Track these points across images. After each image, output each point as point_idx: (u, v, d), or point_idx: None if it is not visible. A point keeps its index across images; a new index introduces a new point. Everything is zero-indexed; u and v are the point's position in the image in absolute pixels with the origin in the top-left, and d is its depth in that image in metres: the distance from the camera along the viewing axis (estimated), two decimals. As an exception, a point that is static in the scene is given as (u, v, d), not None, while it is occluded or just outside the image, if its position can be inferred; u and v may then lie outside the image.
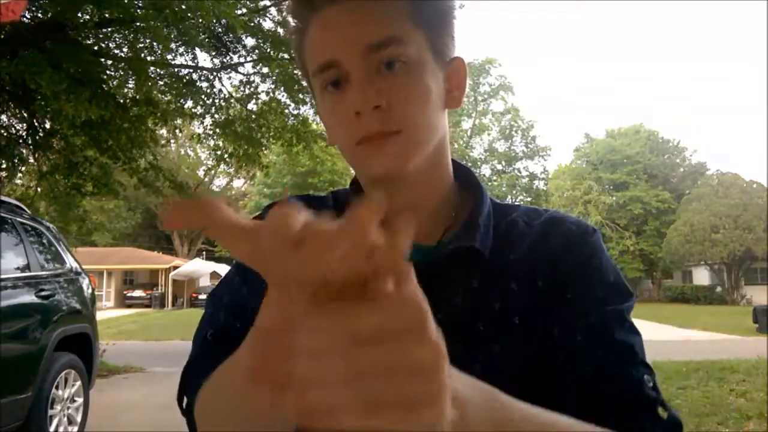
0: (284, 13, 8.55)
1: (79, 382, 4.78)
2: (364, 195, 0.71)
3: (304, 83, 7.54)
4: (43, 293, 4.38)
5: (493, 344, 0.60)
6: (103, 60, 7.96)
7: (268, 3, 8.64)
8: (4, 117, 8.50)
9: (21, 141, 8.49)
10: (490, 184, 36.81)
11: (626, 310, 0.64)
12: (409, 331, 0.30)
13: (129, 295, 32.89)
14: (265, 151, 10.20)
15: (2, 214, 4.35)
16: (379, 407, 0.29)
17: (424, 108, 0.63)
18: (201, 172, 41.32)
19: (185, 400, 0.65)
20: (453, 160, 0.73)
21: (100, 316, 6.37)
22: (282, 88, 9.12)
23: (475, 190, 0.72)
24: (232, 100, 9.45)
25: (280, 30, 8.57)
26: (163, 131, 10.48)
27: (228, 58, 8.97)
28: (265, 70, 9.07)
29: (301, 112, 9.40)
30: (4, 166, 8.34)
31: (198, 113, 9.28)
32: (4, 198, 4.81)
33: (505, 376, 0.53)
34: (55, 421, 4.39)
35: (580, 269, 0.65)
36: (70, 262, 5.10)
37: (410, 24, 0.62)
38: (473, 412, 0.38)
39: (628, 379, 0.59)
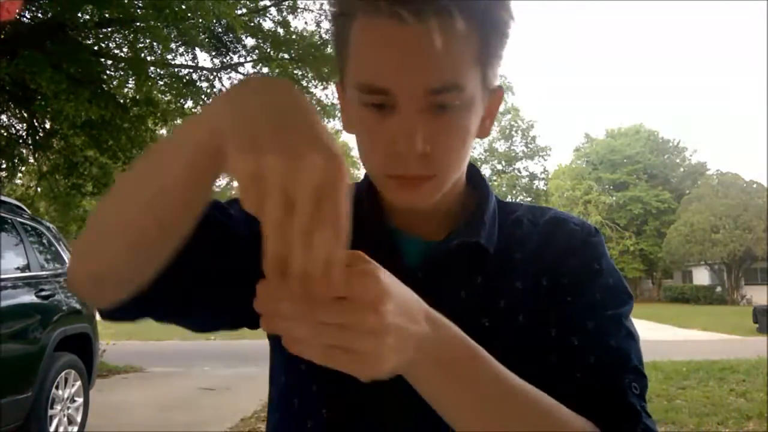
0: (287, 13, 8.55)
1: (79, 382, 4.78)
2: (378, 193, 0.70)
3: (304, 83, 7.53)
4: (43, 293, 4.38)
5: (495, 340, 0.61)
6: (103, 60, 7.97)
7: (268, 3, 8.65)
8: (4, 117, 8.51)
9: (21, 141, 8.50)
10: (490, 184, 36.74)
11: (624, 314, 0.65)
12: (358, 298, 0.42)
13: (129, 295, 32.88)
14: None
15: (2, 214, 4.35)
16: (331, 351, 0.42)
17: (461, 151, 0.62)
18: (201, 172, 41.28)
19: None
20: None
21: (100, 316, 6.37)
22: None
23: (481, 189, 0.72)
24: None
25: (280, 30, 8.58)
26: (163, 131, 10.48)
27: (228, 58, 8.97)
28: (265, 70, 9.07)
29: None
30: (4, 166, 8.35)
31: (198, 113, 9.28)
32: (4, 198, 4.81)
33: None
34: (55, 421, 4.39)
35: (581, 272, 0.66)
36: (70, 262, 5.10)
37: (472, 62, 0.58)
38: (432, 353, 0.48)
39: (615, 386, 0.60)
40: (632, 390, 0.60)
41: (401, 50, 0.55)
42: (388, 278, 0.45)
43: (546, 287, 0.65)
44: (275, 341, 0.73)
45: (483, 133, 0.66)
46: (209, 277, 0.64)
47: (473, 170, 0.74)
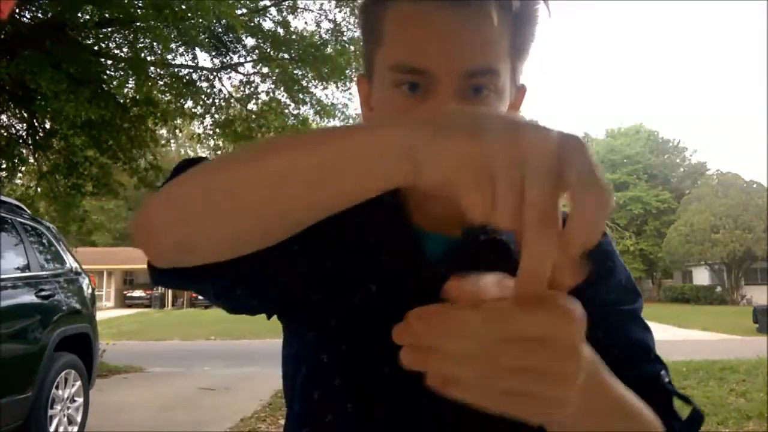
0: (287, 13, 8.55)
1: (79, 382, 4.78)
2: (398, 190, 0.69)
3: (304, 83, 7.50)
4: (43, 293, 4.38)
5: None
6: (103, 60, 7.97)
7: (268, 3, 8.65)
8: (4, 117, 8.51)
9: (21, 141, 8.49)
10: None
11: (638, 310, 0.67)
12: (557, 341, 0.35)
13: (129, 295, 32.91)
14: (265, 151, 10.18)
15: (2, 214, 4.35)
16: (508, 396, 0.35)
17: None
18: (201, 172, 41.29)
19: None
20: None
21: (100, 316, 6.38)
22: (282, 88, 9.13)
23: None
24: (232, 100, 9.46)
25: (280, 30, 8.58)
26: (163, 131, 10.48)
27: (228, 58, 8.97)
28: (265, 70, 9.08)
29: (301, 112, 9.41)
30: (4, 166, 8.34)
31: (198, 113, 9.28)
32: (4, 198, 4.81)
33: None
34: (55, 421, 4.39)
35: (595, 270, 0.66)
36: (70, 262, 5.10)
37: (506, 52, 0.60)
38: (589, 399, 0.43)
39: (645, 373, 0.61)
40: (663, 377, 0.62)
41: (442, 31, 0.56)
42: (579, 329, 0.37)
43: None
44: (298, 333, 0.71)
45: None
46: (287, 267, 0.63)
47: None
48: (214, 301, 0.67)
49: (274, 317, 0.73)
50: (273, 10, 8.70)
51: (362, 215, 0.69)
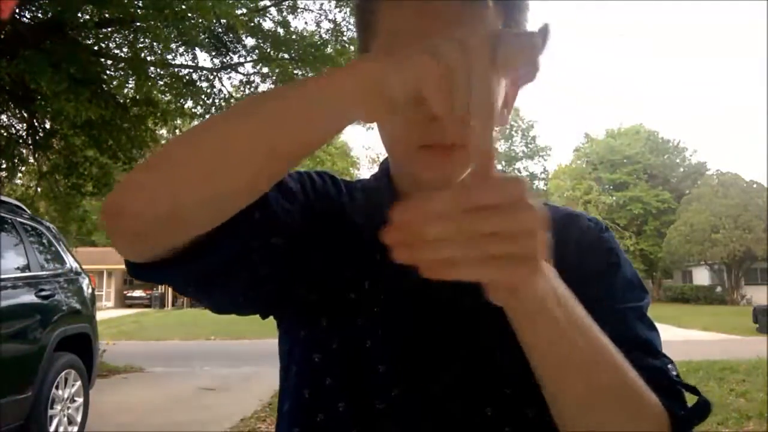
0: (287, 13, 8.55)
1: (79, 382, 4.78)
2: (396, 190, 0.71)
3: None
4: (43, 293, 4.38)
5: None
6: (103, 60, 7.96)
7: (268, 3, 8.65)
8: (4, 117, 8.51)
9: (21, 141, 8.50)
10: None
11: (645, 307, 0.67)
12: (511, 203, 0.40)
13: (129, 295, 32.89)
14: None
15: (2, 214, 4.35)
16: (488, 261, 0.40)
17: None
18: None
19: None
20: None
21: (100, 316, 6.38)
22: (281, 86, 9.12)
23: None
24: (232, 100, 9.45)
25: (280, 30, 8.58)
26: (163, 131, 10.47)
27: (228, 58, 8.97)
28: (265, 70, 9.07)
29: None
30: (4, 166, 8.35)
31: (198, 113, 9.27)
32: (4, 198, 4.81)
33: (525, 361, 0.55)
34: (55, 421, 4.39)
35: (601, 269, 0.67)
36: (70, 262, 5.10)
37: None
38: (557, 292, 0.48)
39: (653, 367, 0.61)
40: (670, 371, 0.62)
41: (437, 18, 0.58)
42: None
43: (567, 279, 0.65)
44: (289, 330, 0.72)
45: (502, 120, 0.67)
46: (253, 260, 0.63)
47: None
48: (194, 294, 0.66)
49: (270, 317, 0.73)
50: (273, 10, 8.70)
51: (361, 217, 0.70)
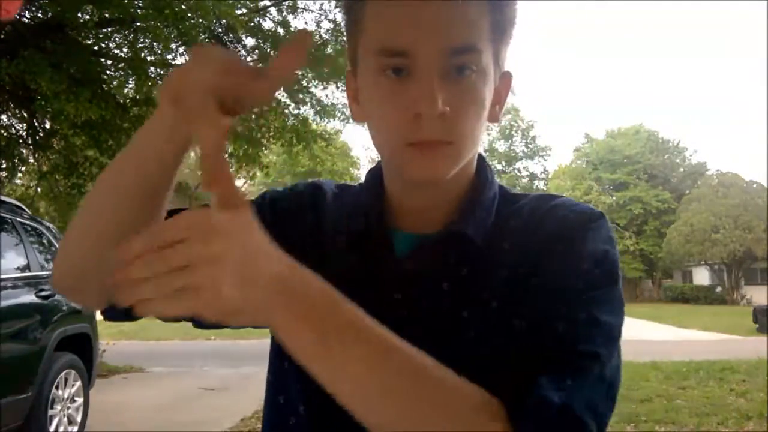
0: (287, 13, 8.56)
1: (79, 382, 4.78)
2: (385, 186, 0.71)
3: (304, 83, 7.54)
4: (43, 293, 4.38)
5: (470, 331, 0.61)
6: (103, 60, 7.96)
7: (268, 3, 8.65)
8: (4, 117, 8.51)
9: (21, 141, 8.49)
10: (492, 174, 36.82)
11: (606, 295, 0.59)
12: (194, 234, 0.42)
13: (129, 295, 32.90)
14: (265, 151, 10.20)
15: (2, 214, 4.35)
16: (172, 296, 0.42)
17: (477, 122, 0.61)
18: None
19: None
20: None
21: (100, 316, 6.37)
22: (282, 88, 9.12)
23: (480, 178, 0.70)
24: (232, 100, 9.45)
25: (280, 30, 8.58)
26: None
27: (228, 58, 8.97)
28: (265, 70, 9.06)
29: (301, 112, 9.40)
30: (4, 166, 8.35)
31: (198, 113, 9.28)
32: (4, 198, 4.81)
33: (478, 363, 0.54)
34: (55, 421, 4.39)
35: (562, 255, 0.60)
36: (70, 262, 5.10)
37: (487, 32, 0.60)
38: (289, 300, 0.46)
39: (573, 334, 0.55)
40: (580, 345, 0.54)
41: (419, 11, 0.57)
42: (233, 219, 0.45)
43: (526, 274, 0.61)
44: (273, 339, 0.73)
45: (493, 117, 0.66)
46: None
47: (479, 161, 0.71)
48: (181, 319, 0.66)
49: None
50: (273, 10, 8.70)
51: (343, 223, 0.70)
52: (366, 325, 0.48)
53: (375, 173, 0.73)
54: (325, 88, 9.27)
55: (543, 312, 0.58)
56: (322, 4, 8.80)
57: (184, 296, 0.42)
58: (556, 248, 0.61)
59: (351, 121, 9.74)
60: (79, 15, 6.91)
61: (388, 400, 0.49)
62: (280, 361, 0.69)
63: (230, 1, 7.20)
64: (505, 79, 0.67)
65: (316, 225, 0.72)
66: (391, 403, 0.49)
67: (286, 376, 0.68)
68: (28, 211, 5.19)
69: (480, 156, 0.71)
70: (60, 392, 4.48)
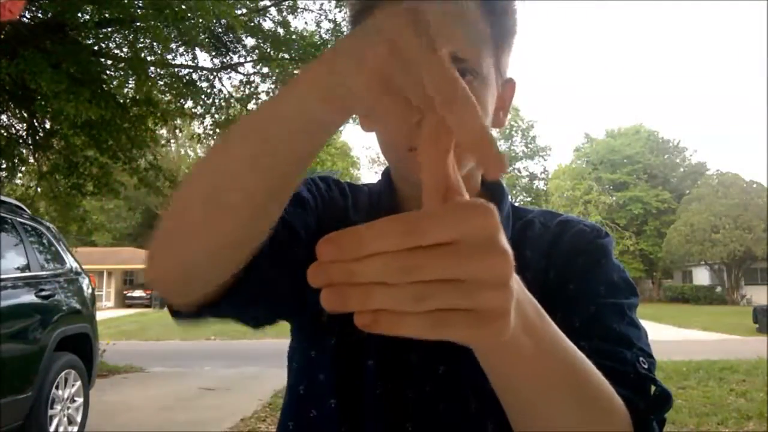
0: (287, 13, 8.57)
1: (79, 382, 4.78)
2: (398, 193, 0.73)
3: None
4: (43, 293, 4.38)
5: None
6: (103, 60, 7.96)
7: (268, 3, 8.65)
8: (4, 117, 8.51)
9: (21, 141, 8.50)
10: (506, 188, 36.79)
11: (627, 306, 0.64)
12: (471, 238, 0.31)
13: (129, 295, 32.90)
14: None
15: (2, 214, 4.35)
16: (439, 316, 0.31)
17: None
18: (201, 172, 41.28)
19: None
20: None
21: (100, 316, 6.38)
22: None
23: (497, 192, 0.74)
24: (232, 100, 9.45)
25: (280, 30, 8.58)
26: (163, 131, 10.48)
27: (228, 58, 8.97)
28: (265, 70, 9.07)
29: (301, 112, 9.40)
30: (4, 166, 8.35)
31: (198, 113, 9.28)
32: (4, 198, 4.80)
33: None
34: (55, 421, 4.39)
35: (585, 266, 0.66)
36: (70, 262, 5.10)
37: (487, 41, 0.63)
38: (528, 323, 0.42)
39: (622, 358, 0.58)
40: (640, 363, 0.59)
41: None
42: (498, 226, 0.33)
43: (553, 279, 0.66)
44: (298, 329, 0.73)
45: (497, 123, 0.69)
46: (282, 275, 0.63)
47: None
48: (236, 321, 0.67)
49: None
50: (273, 10, 8.70)
51: (363, 220, 0.70)
52: (554, 325, 0.46)
53: (387, 173, 0.75)
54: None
55: (578, 318, 0.61)
56: (322, 4, 8.81)
57: (459, 321, 0.31)
58: (579, 260, 0.67)
59: (350, 121, 9.73)
60: (79, 15, 6.92)
61: (566, 401, 0.48)
62: (308, 350, 0.69)
63: (230, 1, 7.20)
64: (509, 85, 0.69)
65: (345, 219, 0.73)
66: (567, 404, 0.48)
67: (311, 365, 0.68)
68: (28, 211, 5.18)
69: None
70: (60, 392, 4.48)
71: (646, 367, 0.59)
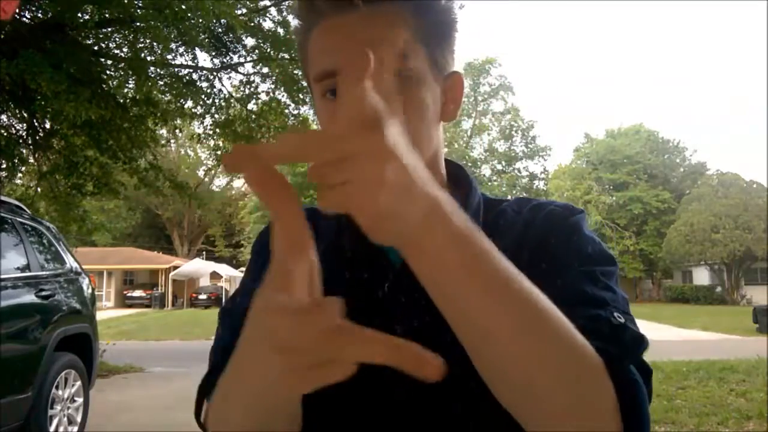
0: (287, 13, 8.58)
1: (79, 382, 4.78)
2: None
3: (304, 83, 7.57)
4: (43, 293, 4.38)
5: None
6: (103, 60, 7.97)
7: (268, 3, 8.65)
8: (4, 117, 8.51)
9: (21, 141, 8.50)
10: (489, 184, 36.80)
11: (600, 272, 0.63)
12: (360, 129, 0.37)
13: (129, 295, 32.91)
14: (266, 151, 10.18)
15: (2, 214, 4.35)
16: (335, 191, 0.37)
17: (419, 123, 0.64)
18: (201, 172, 41.34)
19: (204, 409, 0.68)
20: (446, 159, 0.74)
21: (100, 316, 6.38)
22: (282, 88, 9.12)
23: (465, 186, 0.74)
24: (232, 100, 9.46)
25: (280, 30, 8.58)
26: (163, 131, 10.47)
27: (228, 58, 8.97)
28: (265, 70, 9.07)
29: (301, 112, 9.40)
30: (4, 166, 8.34)
31: (198, 113, 9.28)
32: (4, 198, 4.81)
33: None
34: (55, 421, 4.39)
35: (557, 245, 0.66)
36: (70, 262, 5.10)
37: (412, 38, 0.63)
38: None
39: (595, 316, 0.57)
40: (615, 317, 0.58)
41: (342, 33, 0.63)
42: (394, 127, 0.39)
43: (526, 260, 0.62)
44: None
45: (447, 116, 0.70)
46: None
47: (454, 168, 0.76)
48: None
49: None
50: (273, 10, 8.70)
51: (331, 232, 0.72)
52: (501, 258, 0.47)
53: None
54: (325, 87, 9.27)
55: (550, 291, 0.57)
56: (321, 5, 8.80)
57: (340, 193, 0.37)
58: (551, 240, 0.66)
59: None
60: (79, 15, 6.92)
61: (525, 336, 0.47)
62: None
63: (230, 1, 7.20)
64: (453, 78, 0.70)
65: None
66: (527, 340, 0.47)
67: None
68: (28, 211, 5.18)
69: (457, 165, 0.77)
70: (60, 392, 4.48)
71: (622, 321, 0.58)
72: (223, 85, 9.30)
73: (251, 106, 9.53)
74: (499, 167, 38.50)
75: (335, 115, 0.53)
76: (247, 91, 9.39)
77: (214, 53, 8.79)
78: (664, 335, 14.33)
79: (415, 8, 0.64)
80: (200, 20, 7.06)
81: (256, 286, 0.62)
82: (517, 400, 0.51)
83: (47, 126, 8.37)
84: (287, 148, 0.37)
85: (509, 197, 0.76)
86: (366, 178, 0.38)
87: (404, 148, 0.40)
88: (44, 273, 4.57)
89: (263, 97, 9.36)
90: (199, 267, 32.16)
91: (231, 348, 0.56)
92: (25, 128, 8.61)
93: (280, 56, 8.58)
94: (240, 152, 0.37)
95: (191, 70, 8.92)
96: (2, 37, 6.52)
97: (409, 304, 0.65)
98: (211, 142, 9.90)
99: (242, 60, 9.06)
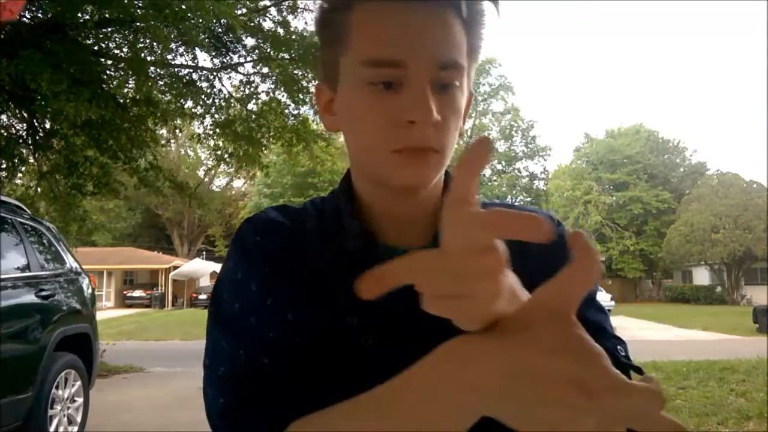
0: (287, 13, 8.58)
1: (79, 382, 4.78)
2: (359, 201, 0.70)
3: (304, 83, 7.54)
4: (43, 293, 4.38)
5: None
6: (103, 60, 7.96)
7: (268, 3, 8.65)
8: (4, 117, 8.51)
9: (21, 141, 8.49)
10: (489, 184, 36.80)
11: (593, 293, 0.67)
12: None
13: (129, 295, 32.91)
14: (265, 151, 10.20)
15: (2, 214, 4.35)
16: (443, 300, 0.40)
17: (456, 134, 0.65)
18: (201, 172, 41.32)
19: None
20: None
21: (100, 316, 6.38)
22: (282, 88, 9.12)
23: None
24: (232, 100, 9.46)
25: (280, 30, 8.58)
26: (163, 131, 10.47)
27: (228, 58, 8.97)
28: (265, 70, 9.07)
29: (301, 112, 9.41)
30: (4, 166, 8.34)
31: (198, 113, 9.28)
32: (4, 198, 4.80)
33: None
34: (55, 421, 4.39)
35: (549, 262, 0.63)
36: (70, 262, 5.10)
37: (465, 51, 0.63)
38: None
39: (603, 348, 0.58)
40: (619, 351, 0.63)
41: (415, 25, 0.59)
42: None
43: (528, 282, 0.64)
44: None
45: (461, 132, 0.70)
46: None
47: (450, 178, 0.76)
48: None
49: None
50: (273, 10, 8.71)
51: (333, 249, 0.69)
52: None
53: (347, 193, 0.71)
54: (325, 88, 9.27)
55: None
56: (321, 5, 8.81)
57: (447, 303, 0.41)
58: (548, 256, 0.64)
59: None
60: (79, 15, 6.92)
61: None
62: None
63: (230, 1, 7.20)
64: (470, 96, 0.70)
65: (300, 259, 0.68)
66: None
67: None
68: (28, 211, 5.18)
69: (448, 173, 0.75)
70: (60, 392, 4.48)
71: (624, 354, 0.63)
72: (223, 85, 9.31)
73: (251, 106, 9.53)
74: (499, 167, 38.49)
75: (386, 108, 0.59)
76: (247, 91, 9.39)
77: (214, 53, 8.79)
78: (664, 335, 14.34)
79: (469, 18, 0.63)
80: (200, 20, 7.06)
81: (265, 302, 0.66)
82: None
83: (47, 126, 8.37)
84: (411, 272, 0.40)
85: (514, 201, 0.75)
86: (485, 294, 0.41)
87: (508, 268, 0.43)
88: (44, 273, 4.57)
89: (263, 97, 9.37)
90: (199, 267, 32.17)
91: (250, 373, 0.60)
92: (25, 128, 8.61)
93: (280, 56, 8.59)
94: (370, 278, 0.40)
95: (191, 70, 8.92)
96: (2, 37, 6.52)
97: (417, 311, 0.64)
98: (211, 142, 9.90)
99: (242, 60, 9.06)
